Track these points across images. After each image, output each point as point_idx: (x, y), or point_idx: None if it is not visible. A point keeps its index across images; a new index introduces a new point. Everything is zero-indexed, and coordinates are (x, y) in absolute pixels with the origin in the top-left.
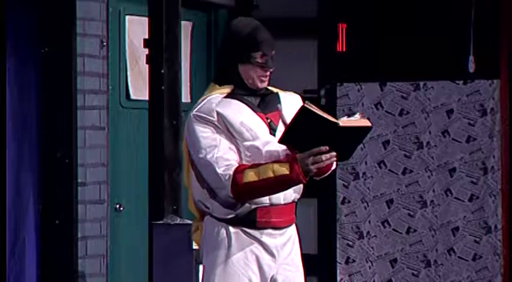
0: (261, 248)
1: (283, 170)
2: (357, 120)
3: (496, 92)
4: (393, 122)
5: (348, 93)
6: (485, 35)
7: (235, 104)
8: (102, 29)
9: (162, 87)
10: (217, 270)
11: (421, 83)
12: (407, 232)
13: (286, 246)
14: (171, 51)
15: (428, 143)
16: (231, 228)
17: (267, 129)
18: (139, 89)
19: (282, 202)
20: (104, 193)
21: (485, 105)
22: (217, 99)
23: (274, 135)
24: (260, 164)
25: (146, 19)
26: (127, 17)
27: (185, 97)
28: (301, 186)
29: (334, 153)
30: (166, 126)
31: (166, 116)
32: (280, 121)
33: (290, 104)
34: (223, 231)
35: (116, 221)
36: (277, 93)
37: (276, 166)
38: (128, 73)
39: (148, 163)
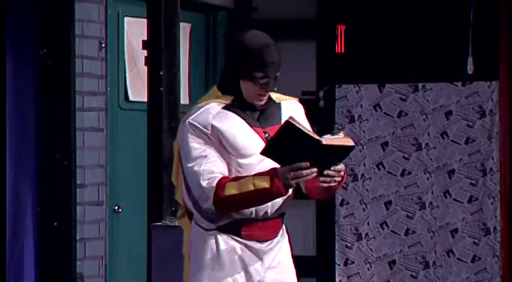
0: (248, 252)
1: (264, 183)
2: (340, 139)
3: (494, 94)
4: (392, 124)
5: (346, 94)
6: (484, 36)
7: (232, 117)
8: (101, 31)
9: (161, 89)
10: (204, 273)
11: (420, 85)
12: (406, 234)
13: (272, 251)
14: (170, 52)
15: (427, 144)
16: (219, 234)
17: (263, 145)
18: (138, 90)
19: (269, 217)
20: (103, 195)
21: (484, 106)
22: (215, 109)
23: None
24: (242, 177)
25: (145, 21)
26: (126, 19)
27: (184, 99)
28: (289, 200)
29: (315, 170)
30: (165, 128)
31: (164, 118)
32: None
33: (291, 115)
34: (211, 236)
35: (114, 223)
36: (279, 104)
37: (256, 179)
38: (127, 75)
39: (147, 165)
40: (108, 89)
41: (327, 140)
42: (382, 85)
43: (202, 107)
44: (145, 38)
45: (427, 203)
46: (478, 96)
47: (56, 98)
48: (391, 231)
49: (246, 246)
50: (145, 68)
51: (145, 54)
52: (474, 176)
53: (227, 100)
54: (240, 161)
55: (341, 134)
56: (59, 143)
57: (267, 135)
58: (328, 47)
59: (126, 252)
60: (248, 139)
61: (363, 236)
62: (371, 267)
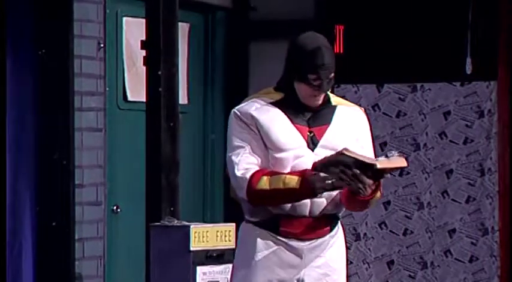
0: (285, 250)
1: (293, 183)
2: (394, 161)
3: (493, 94)
4: (390, 124)
5: (345, 94)
6: (483, 36)
7: (274, 112)
8: (99, 31)
9: (159, 89)
10: (241, 269)
11: (418, 85)
12: (404, 234)
13: (315, 249)
14: (169, 52)
15: (425, 144)
16: (258, 229)
17: (303, 143)
18: (136, 90)
19: (307, 215)
20: (101, 195)
21: (482, 106)
22: (260, 103)
23: (313, 150)
24: (276, 173)
25: (143, 21)
26: (124, 19)
27: (182, 99)
28: (337, 203)
29: (344, 184)
30: (164, 128)
31: (163, 118)
32: (324, 136)
33: (345, 118)
34: (250, 231)
35: (113, 223)
36: (334, 107)
37: (287, 178)
38: (125, 75)
39: (146, 165)
40: (107, 89)
41: (382, 163)
42: (380, 85)
43: (250, 99)
44: (144, 38)
45: (425, 203)
46: (477, 96)
47: (54, 98)
48: (390, 231)
49: (284, 244)
50: (144, 68)
51: (144, 54)
52: (472, 176)
53: (277, 97)
54: (276, 155)
55: (395, 154)
56: (57, 143)
57: (312, 134)
58: None
59: (125, 252)
60: (285, 135)
61: (361, 236)
62: (369, 267)
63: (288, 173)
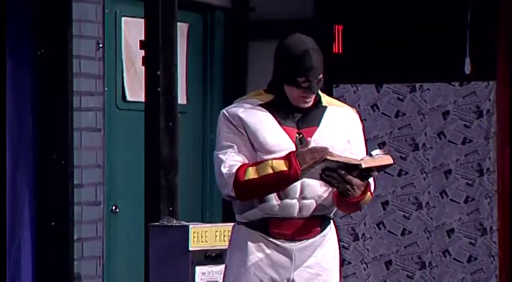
0: (275, 251)
1: (282, 166)
2: (379, 159)
3: (492, 94)
4: (389, 124)
5: (344, 94)
6: (482, 36)
7: (262, 114)
8: (98, 31)
9: (158, 89)
10: (233, 269)
11: (417, 85)
12: (403, 234)
13: (306, 250)
14: (167, 52)
15: (424, 144)
16: (249, 230)
17: (291, 145)
18: (135, 90)
19: (296, 216)
20: (100, 195)
21: (481, 106)
22: (248, 105)
23: None
24: (261, 161)
25: (142, 21)
26: (123, 19)
27: (181, 99)
28: (327, 202)
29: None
30: (163, 128)
31: (162, 118)
32: (313, 137)
33: (334, 119)
34: (241, 232)
35: (111, 223)
36: (325, 107)
37: (275, 162)
38: (124, 75)
39: (145, 165)
40: (106, 89)
41: (367, 162)
42: (379, 85)
43: (240, 100)
44: (143, 38)
45: (424, 203)
46: (476, 96)
47: (53, 98)
48: (388, 231)
49: (275, 245)
50: (143, 68)
51: (143, 54)
52: (471, 176)
53: (267, 98)
54: (264, 156)
55: (380, 152)
56: (56, 143)
57: (301, 136)
58: (325, 47)
59: (124, 252)
60: (272, 136)
61: (360, 236)
62: (367, 267)
63: (273, 159)
